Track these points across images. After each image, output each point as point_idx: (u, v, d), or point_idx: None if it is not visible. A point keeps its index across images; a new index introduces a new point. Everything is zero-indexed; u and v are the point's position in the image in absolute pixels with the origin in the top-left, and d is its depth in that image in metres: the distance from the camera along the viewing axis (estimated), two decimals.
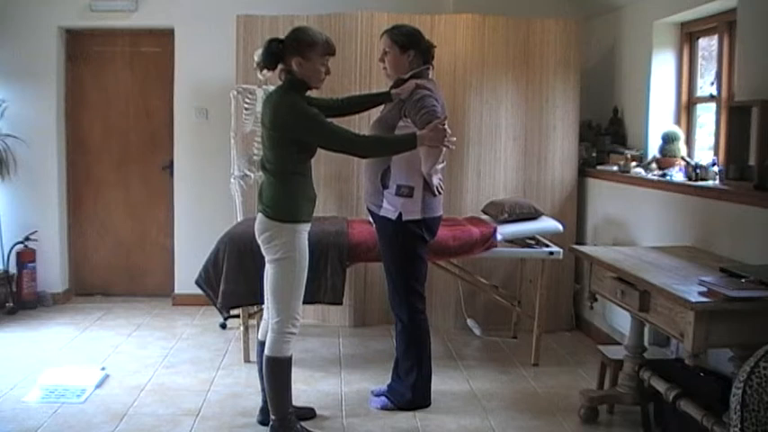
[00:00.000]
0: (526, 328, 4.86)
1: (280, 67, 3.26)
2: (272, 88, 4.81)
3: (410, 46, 3.59)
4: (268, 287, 3.33)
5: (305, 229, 3.29)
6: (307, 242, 3.29)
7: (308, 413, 3.63)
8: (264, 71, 3.41)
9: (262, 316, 3.66)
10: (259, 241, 3.30)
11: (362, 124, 4.76)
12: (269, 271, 3.30)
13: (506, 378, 4.25)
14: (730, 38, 4.03)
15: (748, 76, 3.60)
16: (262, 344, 3.40)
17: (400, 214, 3.57)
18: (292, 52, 3.20)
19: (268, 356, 3.29)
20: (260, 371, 3.45)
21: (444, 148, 3.40)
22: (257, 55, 4.55)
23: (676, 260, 3.35)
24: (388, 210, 3.59)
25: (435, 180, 3.59)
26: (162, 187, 5.85)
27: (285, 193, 3.23)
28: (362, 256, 4.28)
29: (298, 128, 3.17)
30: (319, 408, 3.72)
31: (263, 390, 3.46)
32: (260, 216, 3.30)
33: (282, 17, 5.11)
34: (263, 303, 3.53)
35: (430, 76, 3.65)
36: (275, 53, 3.22)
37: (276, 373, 3.29)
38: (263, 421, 3.49)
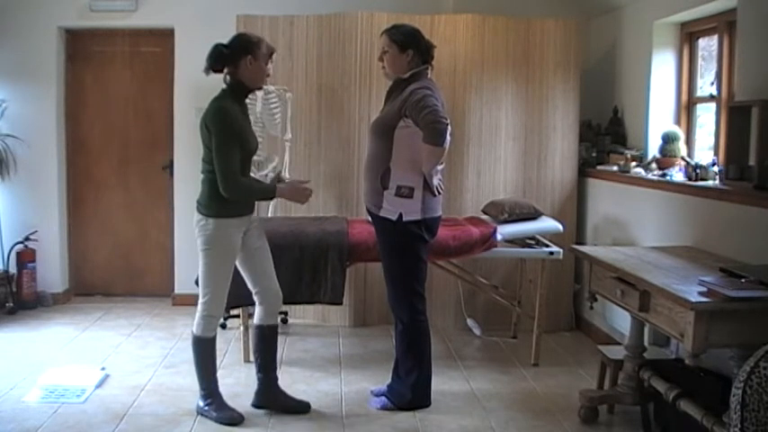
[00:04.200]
0: (526, 328, 4.85)
1: (225, 70, 3.41)
2: (271, 88, 4.84)
3: (409, 45, 3.58)
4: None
5: (234, 225, 3.43)
6: (236, 237, 3.44)
7: (304, 407, 3.70)
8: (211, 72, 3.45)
9: None
10: None
11: (363, 125, 4.76)
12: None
13: (506, 378, 4.25)
14: (730, 38, 4.03)
15: (748, 76, 3.59)
16: (258, 327, 3.64)
17: (400, 215, 3.57)
18: (242, 53, 3.36)
19: (194, 335, 3.53)
20: (254, 352, 3.69)
21: (445, 149, 3.45)
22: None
23: (676, 260, 3.35)
24: (389, 210, 3.59)
25: (435, 180, 3.60)
26: (162, 187, 5.85)
27: (210, 190, 3.40)
28: (362, 256, 4.28)
29: (209, 130, 3.34)
30: (319, 408, 3.72)
31: (258, 371, 3.66)
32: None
33: (282, 17, 5.11)
34: None
35: (429, 76, 3.65)
36: (221, 56, 3.36)
37: (199, 351, 3.54)
38: (258, 404, 3.66)
